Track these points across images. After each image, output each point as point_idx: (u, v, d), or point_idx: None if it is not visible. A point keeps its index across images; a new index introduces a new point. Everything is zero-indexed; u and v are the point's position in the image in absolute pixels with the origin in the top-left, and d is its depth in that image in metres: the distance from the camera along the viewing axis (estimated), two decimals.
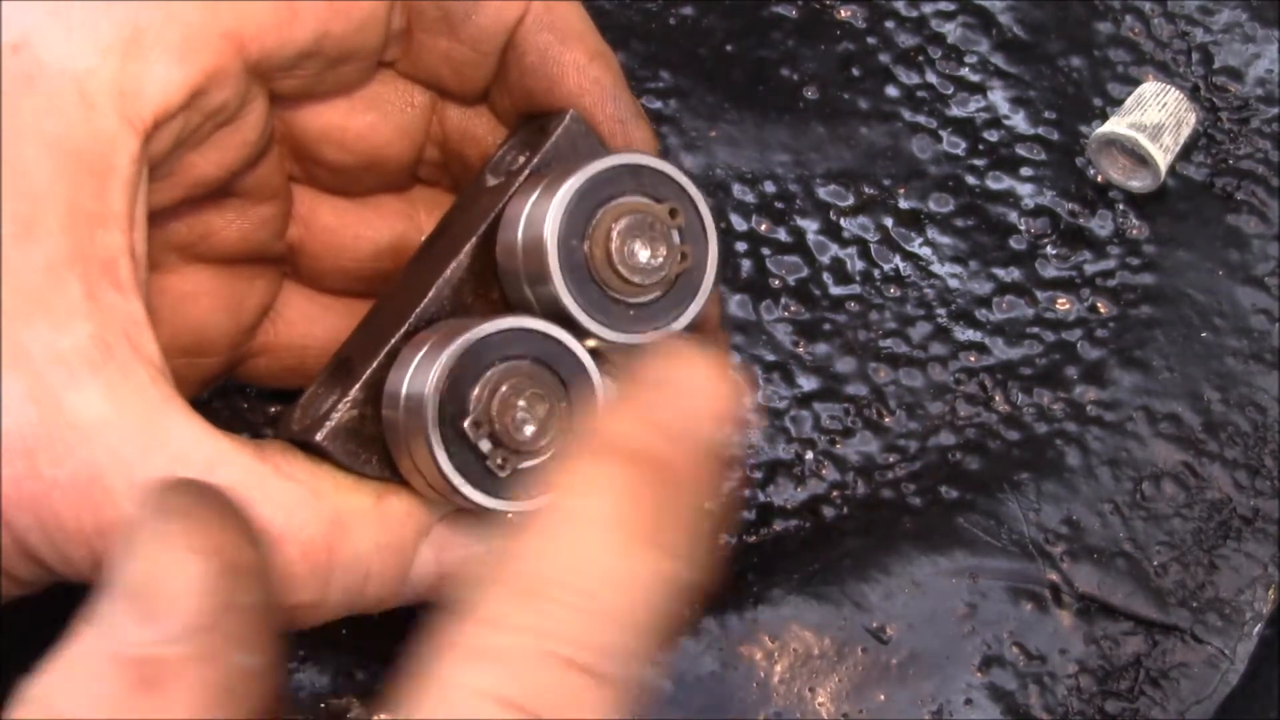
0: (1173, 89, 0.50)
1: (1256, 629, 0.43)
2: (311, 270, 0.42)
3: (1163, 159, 0.49)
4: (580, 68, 0.37)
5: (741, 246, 0.49)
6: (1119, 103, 0.51)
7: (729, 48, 0.53)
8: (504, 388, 0.32)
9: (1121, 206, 0.50)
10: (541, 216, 0.34)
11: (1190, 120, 0.50)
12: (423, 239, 0.42)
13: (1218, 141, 0.51)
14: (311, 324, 0.42)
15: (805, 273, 0.49)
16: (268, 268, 0.41)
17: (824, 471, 0.46)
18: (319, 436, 0.34)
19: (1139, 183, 0.50)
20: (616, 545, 0.24)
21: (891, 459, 0.46)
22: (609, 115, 0.37)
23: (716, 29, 0.53)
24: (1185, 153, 0.51)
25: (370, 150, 0.39)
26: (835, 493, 0.45)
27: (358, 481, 0.34)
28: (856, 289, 0.49)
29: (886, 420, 0.46)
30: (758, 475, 0.45)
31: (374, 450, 0.34)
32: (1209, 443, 0.46)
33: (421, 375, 0.32)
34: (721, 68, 0.52)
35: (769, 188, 0.50)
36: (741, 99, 0.52)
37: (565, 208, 0.33)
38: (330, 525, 0.32)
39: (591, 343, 0.34)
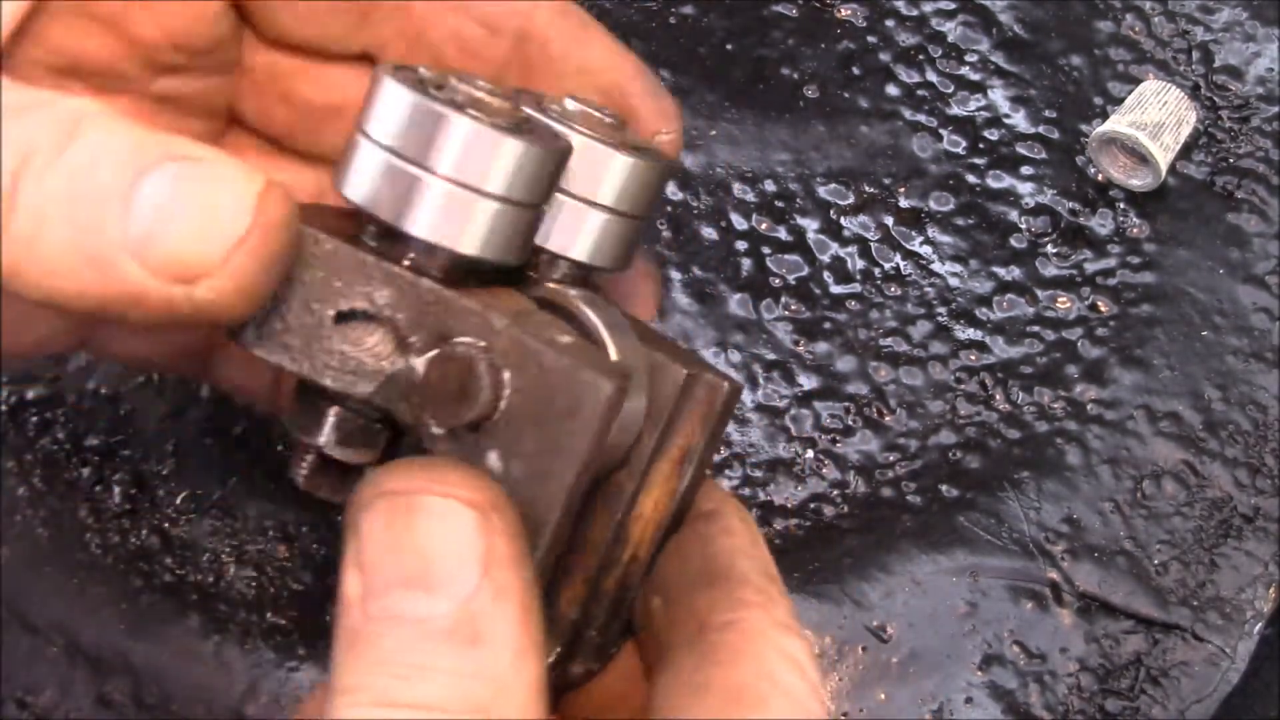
0: (1173, 87, 0.50)
1: (1257, 627, 0.43)
2: None
3: (1163, 157, 0.49)
4: (609, 47, 0.35)
5: (742, 245, 0.49)
6: (1119, 101, 0.51)
7: (729, 47, 0.53)
8: None
9: (1122, 205, 0.50)
10: None
11: (1190, 119, 0.50)
12: None
13: (1218, 140, 0.51)
14: None
15: (805, 271, 0.49)
16: None
17: (824, 470, 0.46)
18: None
19: (1139, 181, 0.50)
20: None
21: (892, 458, 0.46)
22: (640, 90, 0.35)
23: (716, 28, 0.53)
24: (1185, 151, 0.51)
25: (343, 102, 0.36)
26: (835, 491, 0.45)
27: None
28: (857, 288, 0.49)
29: (887, 419, 0.46)
30: (758, 474, 0.45)
31: None
32: (1209, 441, 0.46)
33: None
34: (721, 67, 0.52)
35: (769, 186, 0.50)
36: (742, 98, 0.52)
37: None
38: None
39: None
